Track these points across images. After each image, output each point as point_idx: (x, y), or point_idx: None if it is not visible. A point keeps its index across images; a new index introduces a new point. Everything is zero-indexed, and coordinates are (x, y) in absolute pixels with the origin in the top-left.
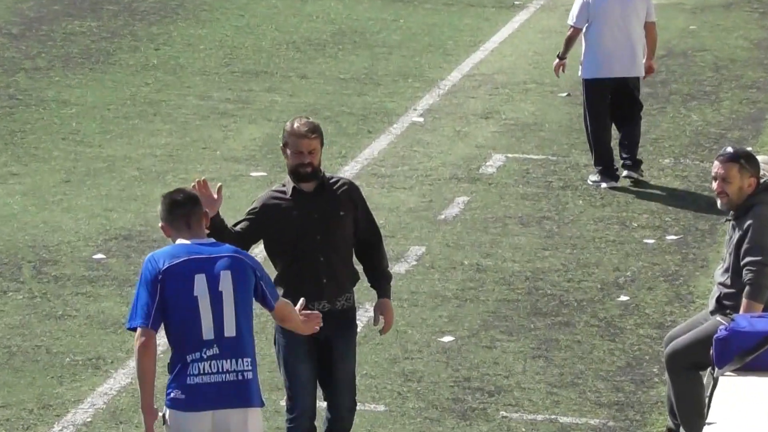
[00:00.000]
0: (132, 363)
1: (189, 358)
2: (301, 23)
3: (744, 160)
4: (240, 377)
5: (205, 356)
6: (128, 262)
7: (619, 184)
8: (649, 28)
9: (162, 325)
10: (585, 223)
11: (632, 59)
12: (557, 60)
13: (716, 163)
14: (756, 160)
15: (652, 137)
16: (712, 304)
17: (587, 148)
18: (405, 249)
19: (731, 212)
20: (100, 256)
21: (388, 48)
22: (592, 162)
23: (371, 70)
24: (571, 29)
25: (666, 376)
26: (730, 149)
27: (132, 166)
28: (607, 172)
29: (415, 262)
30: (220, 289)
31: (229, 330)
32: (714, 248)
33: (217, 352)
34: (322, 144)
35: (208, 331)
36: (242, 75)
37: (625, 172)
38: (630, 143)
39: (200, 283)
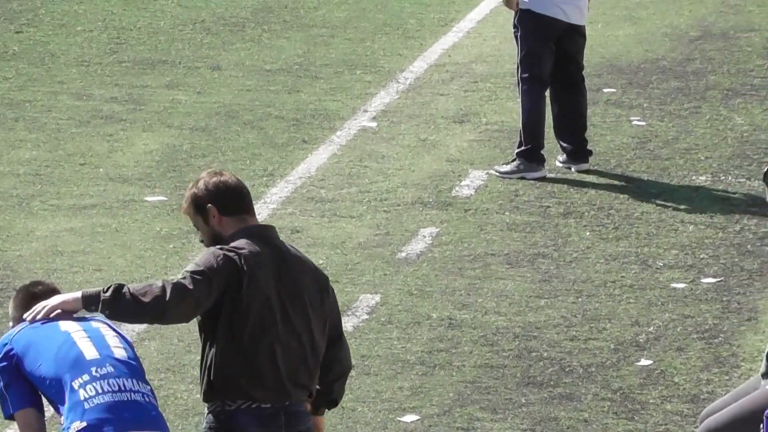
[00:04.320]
0: None
1: (76, 384)
2: None
3: None
4: (148, 400)
5: (97, 375)
6: None
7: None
8: None
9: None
10: (593, 261)
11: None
12: None
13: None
14: None
15: (683, 146)
16: (764, 366)
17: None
18: (353, 298)
19: None
20: None
21: (330, 29)
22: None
23: (307, 59)
24: None
25: None
26: None
27: None
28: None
29: (366, 316)
30: (95, 326)
31: (119, 353)
32: (765, 294)
33: (112, 370)
34: (199, 212)
35: (92, 353)
36: (133, 66)
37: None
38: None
39: (67, 324)
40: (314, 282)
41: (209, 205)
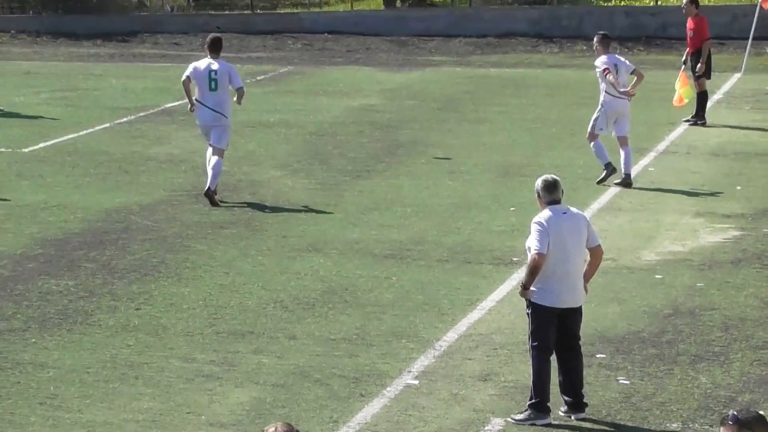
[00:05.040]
0: None
1: None
2: (289, 281)
3: (752, 423)
4: None
5: None
6: None
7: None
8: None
9: None
10: None
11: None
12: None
13: (721, 429)
14: (764, 420)
15: (659, 401)
16: None
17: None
18: None
19: None
20: None
21: (381, 307)
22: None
23: (363, 330)
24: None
25: None
26: (734, 412)
27: None
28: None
29: None
30: None
31: None
32: None
33: None
34: None
35: None
36: (228, 336)
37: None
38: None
39: None
40: None
41: None
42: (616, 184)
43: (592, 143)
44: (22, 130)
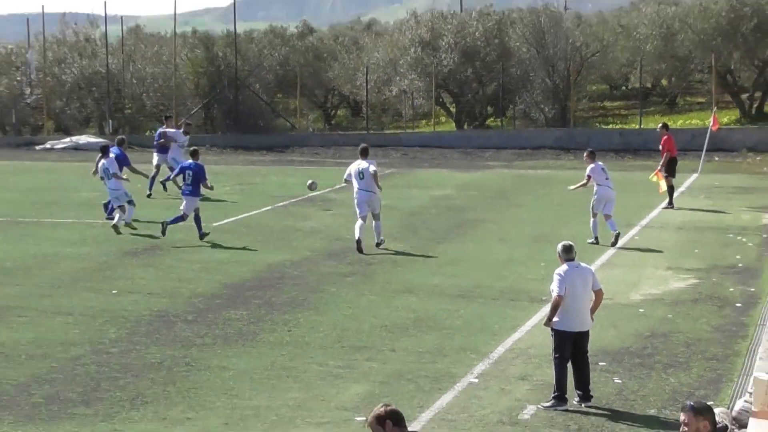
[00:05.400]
0: None
1: None
2: (391, 312)
3: (703, 411)
4: None
5: None
6: None
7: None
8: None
9: None
10: None
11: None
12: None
13: (681, 413)
14: (710, 409)
15: (642, 394)
16: None
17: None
18: None
19: None
20: None
21: (453, 330)
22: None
23: (440, 346)
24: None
25: None
26: (691, 403)
27: (270, 413)
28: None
29: None
30: None
31: None
32: None
33: None
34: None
35: None
36: (349, 348)
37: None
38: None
39: None
40: None
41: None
42: (611, 244)
43: (591, 220)
44: (213, 211)
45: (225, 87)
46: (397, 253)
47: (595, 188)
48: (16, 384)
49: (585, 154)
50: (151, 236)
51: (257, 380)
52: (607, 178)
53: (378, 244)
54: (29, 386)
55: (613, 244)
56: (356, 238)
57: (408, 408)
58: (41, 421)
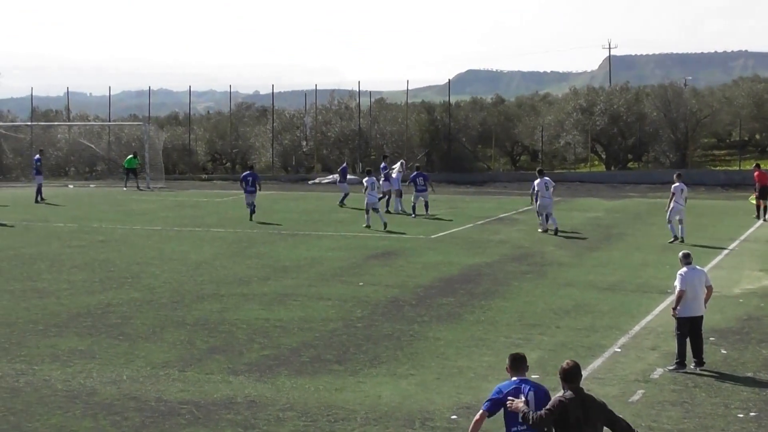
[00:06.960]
0: None
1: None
2: (555, 300)
3: None
4: None
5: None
6: None
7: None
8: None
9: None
10: None
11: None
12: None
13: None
14: None
15: (741, 361)
16: None
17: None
18: None
19: None
20: None
21: (602, 313)
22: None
23: (593, 325)
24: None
25: None
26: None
27: (469, 371)
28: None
29: None
30: None
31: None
32: None
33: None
34: None
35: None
36: (526, 325)
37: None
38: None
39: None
40: None
41: None
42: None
43: (668, 224)
44: (431, 227)
45: (441, 140)
46: (563, 258)
47: (672, 205)
48: (290, 348)
49: (675, 175)
50: (387, 242)
51: (461, 347)
52: (683, 197)
53: (555, 232)
54: (299, 350)
55: (681, 241)
56: (554, 227)
57: (583, 365)
58: (307, 375)
